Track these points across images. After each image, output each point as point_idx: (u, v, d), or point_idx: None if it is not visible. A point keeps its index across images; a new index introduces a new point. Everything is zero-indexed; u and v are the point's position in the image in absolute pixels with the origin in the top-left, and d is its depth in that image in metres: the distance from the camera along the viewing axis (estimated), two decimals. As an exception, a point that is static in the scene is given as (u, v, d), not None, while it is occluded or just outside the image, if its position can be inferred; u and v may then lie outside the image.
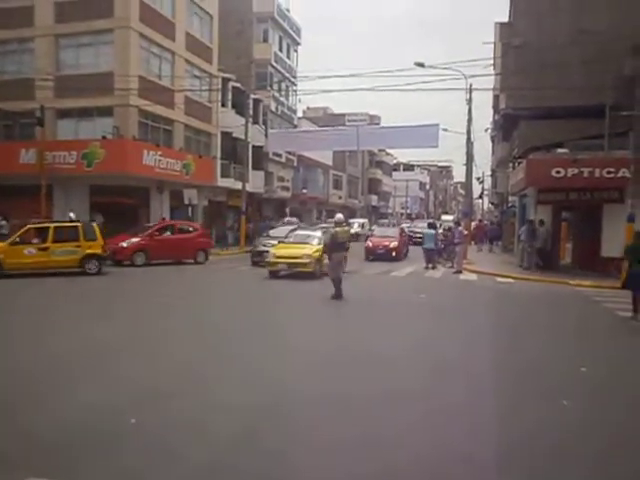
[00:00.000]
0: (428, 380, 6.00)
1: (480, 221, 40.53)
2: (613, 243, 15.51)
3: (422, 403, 5.23)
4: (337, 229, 12.18)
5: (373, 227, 35.37)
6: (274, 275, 15.56)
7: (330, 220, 33.15)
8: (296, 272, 15.16)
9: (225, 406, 5.02)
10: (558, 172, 16.45)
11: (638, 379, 6.30)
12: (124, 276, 16.18)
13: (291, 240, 16.79)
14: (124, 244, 18.28)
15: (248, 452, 4.09)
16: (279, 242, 17.05)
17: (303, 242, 16.24)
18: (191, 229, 20.54)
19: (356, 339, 8.07)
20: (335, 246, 11.85)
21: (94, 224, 16.32)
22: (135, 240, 18.51)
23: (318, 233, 16.83)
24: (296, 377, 6.03)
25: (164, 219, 24.03)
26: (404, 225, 39.40)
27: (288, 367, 6.42)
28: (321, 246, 15.01)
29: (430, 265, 19.31)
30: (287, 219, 20.46)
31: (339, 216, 13.19)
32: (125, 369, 6.21)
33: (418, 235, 33.25)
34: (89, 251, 15.57)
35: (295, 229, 18.81)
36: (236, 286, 14.95)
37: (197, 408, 4.97)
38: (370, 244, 22.86)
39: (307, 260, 15.10)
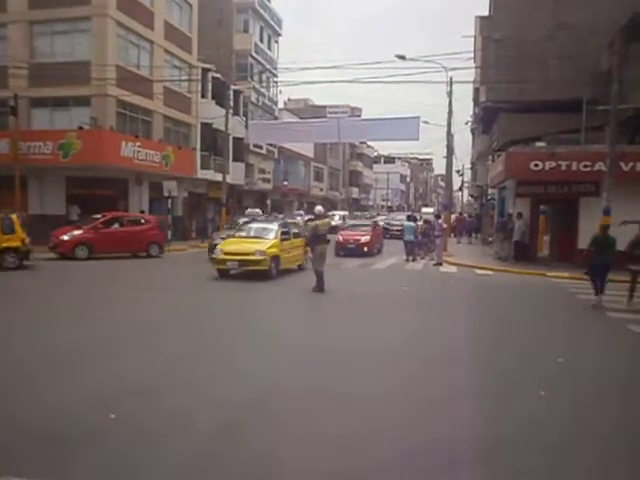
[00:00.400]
0: (413, 374, 6.04)
1: (460, 214, 40.99)
2: (589, 235, 15.65)
3: (407, 397, 5.27)
4: (317, 222, 12.11)
5: (343, 220, 34.62)
6: (224, 274, 13.64)
7: (296, 213, 32.69)
8: (248, 271, 13.35)
9: (215, 404, 5.00)
10: (536, 165, 16.66)
11: (612, 369, 6.43)
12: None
13: (243, 234, 14.93)
14: (65, 237, 17.59)
15: (236, 449, 4.08)
16: (228, 236, 15.42)
17: (257, 237, 14.36)
18: (143, 221, 19.70)
19: (341, 333, 8.09)
20: (316, 238, 11.82)
21: (13, 216, 15.31)
22: (77, 233, 17.78)
23: (274, 226, 15.00)
24: (285, 373, 6.02)
25: (143, 212, 23.74)
26: (380, 217, 39.22)
27: (276, 364, 6.41)
28: (276, 241, 13.96)
29: (410, 257, 19.45)
30: (249, 210, 18.40)
31: (319, 208, 13.20)
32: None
33: (396, 228, 32.29)
34: (5, 245, 14.74)
35: (248, 221, 16.81)
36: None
37: (184, 406, 4.94)
38: (340, 238, 21.57)
39: (260, 257, 13.14)
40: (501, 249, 19.19)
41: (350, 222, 26.75)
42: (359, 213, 48.75)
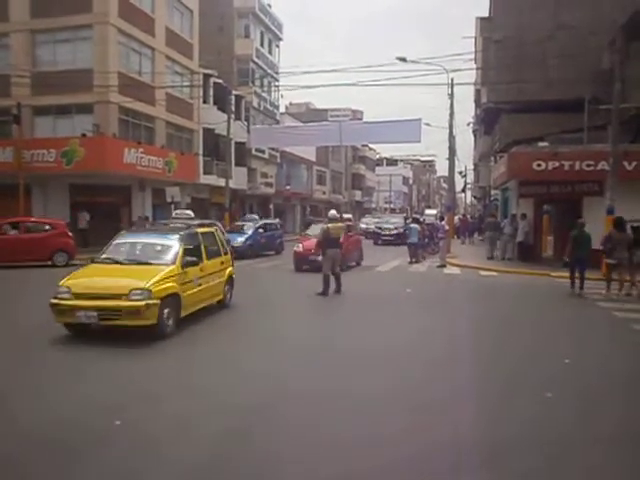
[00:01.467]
0: (417, 375, 6.03)
1: (464, 215, 41.02)
2: (593, 235, 15.70)
3: (412, 399, 5.25)
4: (329, 225, 12.09)
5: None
6: (78, 330, 7.67)
7: (248, 217, 29.11)
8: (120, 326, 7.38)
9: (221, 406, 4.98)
10: (539, 165, 16.62)
11: (617, 369, 6.40)
12: None
13: (116, 258, 8.49)
14: None
15: (242, 451, 4.08)
16: (92, 261, 8.69)
17: (139, 262, 8.32)
18: (47, 227, 17.49)
19: (345, 335, 8.10)
20: (328, 242, 11.85)
21: None
22: None
23: (173, 241, 8.68)
24: (288, 374, 6.02)
25: (147, 218, 23.81)
26: (374, 220, 35.23)
27: (279, 363, 6.41)
28: (174, 268, 8.03)
29: (414, 259, 19.42)
30: (177, 212, 13.52)
31: (332, 212, 13.16)
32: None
33: (388, 232, 28.56)
34: None
35: (127, 234, 9.73)
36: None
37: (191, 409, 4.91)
38: (299, 248, 16.68)
39: (138, 301, 7.21)
40: (492, 249, 19.85)
41: (312, 227, 19.13)
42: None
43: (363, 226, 34.19)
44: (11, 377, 5.94)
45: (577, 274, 12.13)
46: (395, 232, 28.21)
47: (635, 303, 10.94)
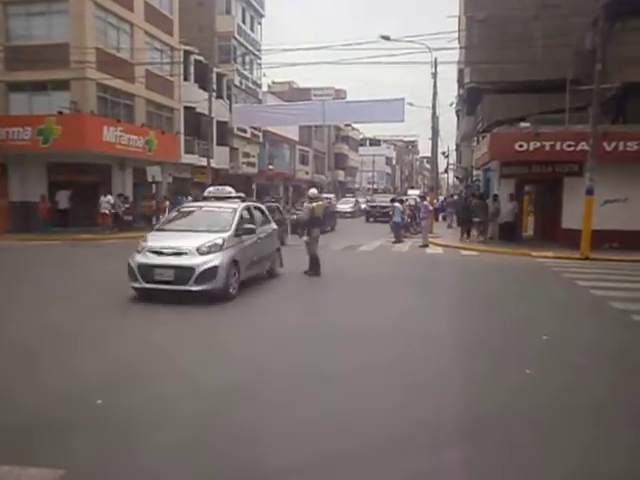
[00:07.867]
0: (400, 354, 6.09)
1: (452, 195, 41.39)
2: (573, 215, 15.99)
3: (393, 377, 5.32)
4: (313, 204, 11.89)
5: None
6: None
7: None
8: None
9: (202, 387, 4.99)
10: (521, 146, 16.73)
11: (595, 344, 6.55)
12: None
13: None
14: None
15: (221, 431, 4.09)
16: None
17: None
18: None
19: (332, 314, 8.13)
20: (313, 221, 11.76)
21: None
22: None
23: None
24: (274, 353, 6.04)
25: (126, 198, 23.48)
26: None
27: (265, 342, 6.43)
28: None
29: (397, 239, 19.54)
30: (211, 189, 12.11)
31: (313, 191, 12.74)
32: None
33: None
34: None
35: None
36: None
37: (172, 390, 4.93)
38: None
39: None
40: (450, 221, 25.67)
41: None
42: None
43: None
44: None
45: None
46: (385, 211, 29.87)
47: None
